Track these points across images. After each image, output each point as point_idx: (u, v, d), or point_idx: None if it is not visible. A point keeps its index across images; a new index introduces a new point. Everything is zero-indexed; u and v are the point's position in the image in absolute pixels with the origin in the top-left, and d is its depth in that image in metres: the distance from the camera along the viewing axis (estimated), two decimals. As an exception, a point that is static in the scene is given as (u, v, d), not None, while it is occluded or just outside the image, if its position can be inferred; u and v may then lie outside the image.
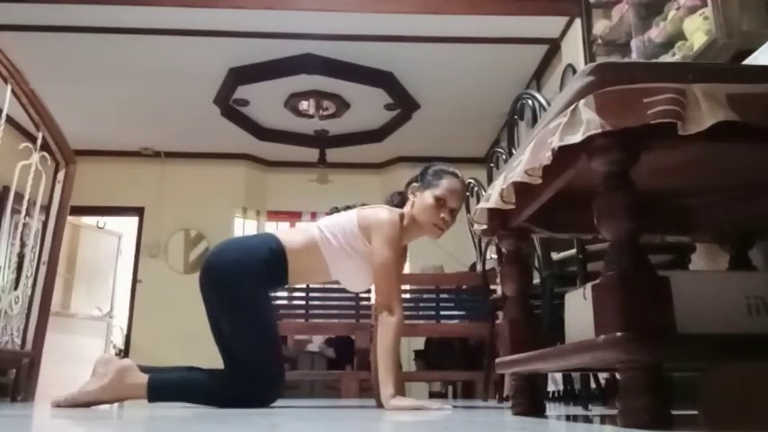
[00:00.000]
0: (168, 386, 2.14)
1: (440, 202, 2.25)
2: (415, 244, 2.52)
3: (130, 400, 2.16)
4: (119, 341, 7.31)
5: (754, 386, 1.00)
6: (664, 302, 1.02)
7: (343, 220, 2.31)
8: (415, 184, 2.35)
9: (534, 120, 1.92)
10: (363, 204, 2.41)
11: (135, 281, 6.64)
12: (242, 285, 2.20)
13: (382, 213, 2.26)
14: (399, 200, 2.43)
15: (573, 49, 4.19)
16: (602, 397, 2.70)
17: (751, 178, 1.44)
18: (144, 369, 2.14)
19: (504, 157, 2.45)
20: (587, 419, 1.54)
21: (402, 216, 2.31)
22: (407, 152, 6.68)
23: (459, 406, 2.49)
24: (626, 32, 3.29)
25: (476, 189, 2.95)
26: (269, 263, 2.24)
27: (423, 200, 2.28)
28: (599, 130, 1.05)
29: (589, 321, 1.10)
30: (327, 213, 2.47)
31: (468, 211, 2.93)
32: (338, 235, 2.27)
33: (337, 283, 2.44)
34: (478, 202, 1.97)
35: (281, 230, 2.56)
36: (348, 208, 2.41)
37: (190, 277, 6.38)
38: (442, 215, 2.25)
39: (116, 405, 2.28)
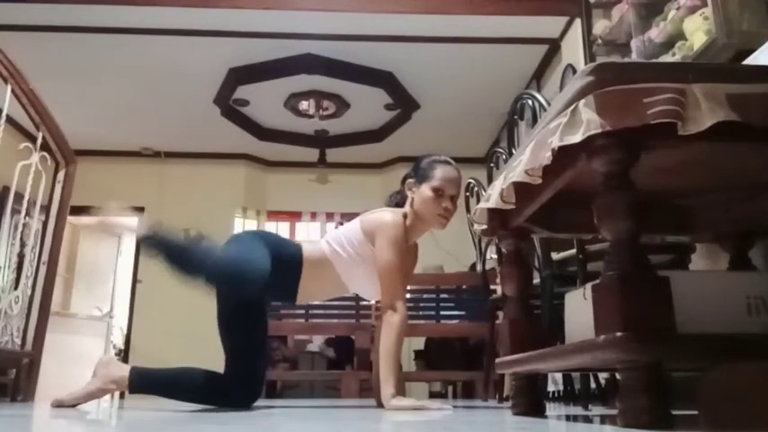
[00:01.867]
0: (149, 377, 2.13)
1: (438, 192, 2.25)
2: (415, 244, 2.52)
3: (113, 390, 2.16)
4: (119, 341, 7.31)
5: (754, 386, 1.00)
6: (664, 302, 1.02)
7: (347, 229, 2.31)
8: (410, 179, 2.35)
9: (534, 120, 1.92)
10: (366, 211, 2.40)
11: (135, 281, 6.64)
12: (243, 286, 2.19)
13: (385, 216, 2.26)
14: (399, 198, 2.43)
15: (573, 49, 4.19)
16: (602, 397, 2.70)
17: (751, 178, 1.44)
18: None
19: (504, 157, 2.45)
20: (587, 419, 1.54)
21: (405, 215, 2.31)
22: (407, 152, 6.66)
23: (459, 406, 2.49)
24: (626, 32, 3.29)
25: (476, 189, 2.94)
26: (281, 262, 2.24)
27: (421, 194, 2.27)
28: (599, 130, 1.05)
29: (589, 321, 1.10)
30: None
31: (468, 210, 2.93)
32: (345, 245, 2.27)
33: (354, 294, 2.44)
34: (478, 202, 1.97)
35: (303, 240, 2.55)
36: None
37: (190, 277, 6.37)
38: (444, 204, 2.25)
39: (116, 406, 2.28)
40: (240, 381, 2.10)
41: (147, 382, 2.12)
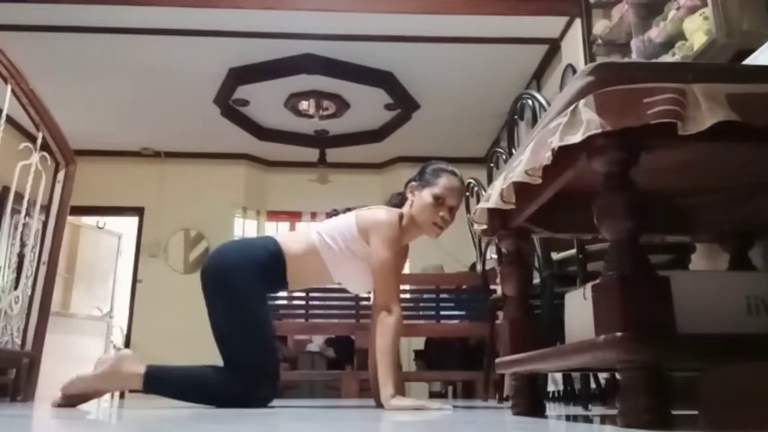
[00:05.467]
0: (164, 379, 2.14)
1: (439, 200, 2.25)
2: (415, 244, 2.52)
3: (125, 389, 2.16)
4: (119, 341, 7.31)
5: (754, 386, 1.00)
6: (664, 302, 1.02)
7: (341, 223, 2.31)
8: (413, 183, 2.35)
9: (534, 120, 1.92)
10: (362, 207, 2.41)
11: (135, 281, 6.64)
12: (239, 286, 2.20)
13: (380, 214, 2.26)
14: (399, 200, 2.43)
15: (573, 49, 4.19)
16: (602, 397, 2.70)
17: (751, 178, 1.44)
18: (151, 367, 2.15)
19: (504, 157, 2.45)
20: (587, 419, 1.54)
21: (401, 216, 2.31)
22: (407, 152, 6.68)
23: (459, 406, 2.49)
24: (626, 32, 3.29)
25: (476, 189, 2.94)
26: (267, 265, 2.24)
27: (421, 199, 2.28)
28: (599, 130, 1.05)
29: (589, 321, 1.10)
30: (328, 215, 2.47)
31: (468, 211, 2.93)
32: (337, 239, 2.27)
33: (338, 284, 2.44)
34: (478, 202, 1.97)
35: (282, 234, 2.55)
36: (348, 210, 2.41)
37: (190, 277, 6.38)
38: (441, 213, 2.25)
39: (116, 406, 2.27)
40: (259, 375, 2.12)
41: (161, 386, 2.13)
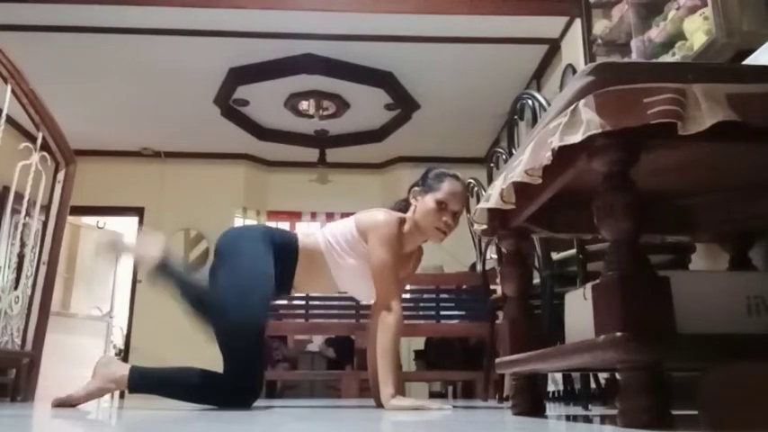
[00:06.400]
0: (150, 376, 2.14)
1: (441, 205, 2.25)
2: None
3: (113, 389, 2.16)
4: (119, 341, 7.30)
5: (754, 386, 1.00)
6: (664, 302, 1.02)
7: (342, 226, 2.33)
8: (416, 188, 2.35)
9: (534, 120, 1.92)
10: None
11: (135, 281, 6.64)
12: (245, 254, 2.21)
13: (378, 215, 2.28)
14: (404, 206, 2.43)
15: (573, 49, 4.19)
16: (602, 397, 2.70)
17: (751, 178, 1.44)
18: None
19: (504, 157, 2.45)
20: (587, 419, 1.54)
21: (403, 220, 2.32)
22: (407, 152, 6.67)
23: (459, 406, 2.49)
24: (626, 32, 3.28)
25: (476, 189, 2.94)
26: (279, 255, 2.24)
27: (424, 204, 2.28)
28: (599, 130, 1.05)
29: (589, 321, 1.10)
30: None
31: (468, 211, 2.93)
32: (340, 240, 2.29)
33: (344, 292, 2.46)
34: (479, 202, 1.97)
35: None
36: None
37: (190, 277, 6.37)
38: (445, 218, 2.25)
39: (116, 406, 2.27)
40: (240, 380, 2.10)
41: (147, 382, 2.12)
